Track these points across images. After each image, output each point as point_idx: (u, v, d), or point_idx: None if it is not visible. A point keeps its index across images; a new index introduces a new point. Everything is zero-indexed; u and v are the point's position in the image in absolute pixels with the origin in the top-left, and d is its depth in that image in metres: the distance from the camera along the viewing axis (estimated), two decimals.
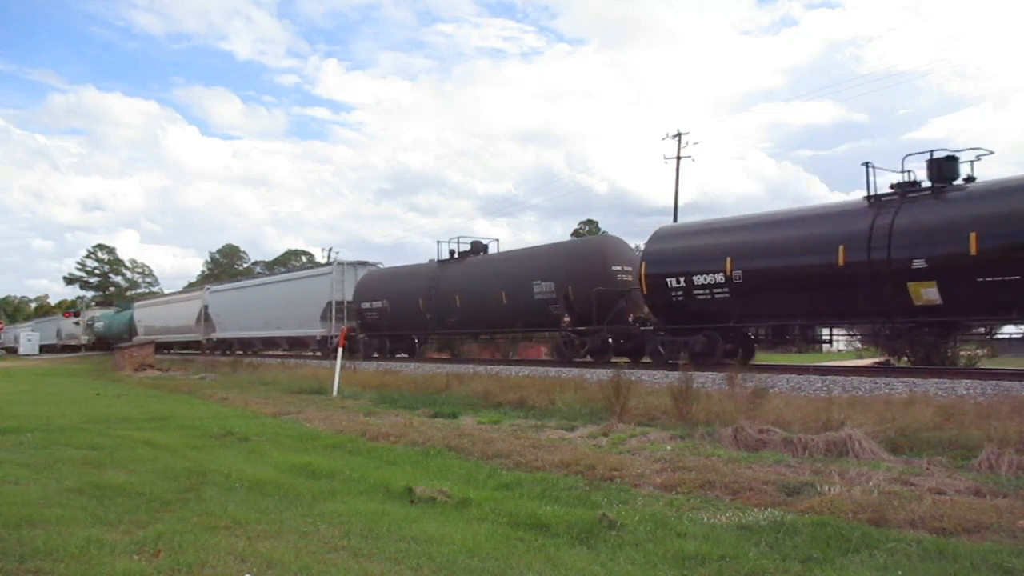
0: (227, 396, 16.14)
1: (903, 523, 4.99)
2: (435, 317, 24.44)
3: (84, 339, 60.59)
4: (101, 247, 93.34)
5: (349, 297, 28.76)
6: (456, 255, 25.09)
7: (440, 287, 24.25)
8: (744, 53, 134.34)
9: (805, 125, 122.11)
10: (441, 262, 25.20)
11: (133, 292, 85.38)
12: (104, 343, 54.42)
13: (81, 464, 7.64)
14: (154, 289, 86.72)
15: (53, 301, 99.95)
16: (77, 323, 63.78)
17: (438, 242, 28.48)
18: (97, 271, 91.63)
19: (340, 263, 31.47)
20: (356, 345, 26.51)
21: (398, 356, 27.18)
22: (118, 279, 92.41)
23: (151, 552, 4.54)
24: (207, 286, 46.44)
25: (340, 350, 17.24)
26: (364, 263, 30.88)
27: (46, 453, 8.35)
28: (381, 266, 31.13)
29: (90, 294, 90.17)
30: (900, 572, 4.09)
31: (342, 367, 16.60)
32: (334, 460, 7.87)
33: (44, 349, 64.18)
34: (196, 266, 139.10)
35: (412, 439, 9.19)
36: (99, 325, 59.19)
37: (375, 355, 26.51)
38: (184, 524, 5.18)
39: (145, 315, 51.29)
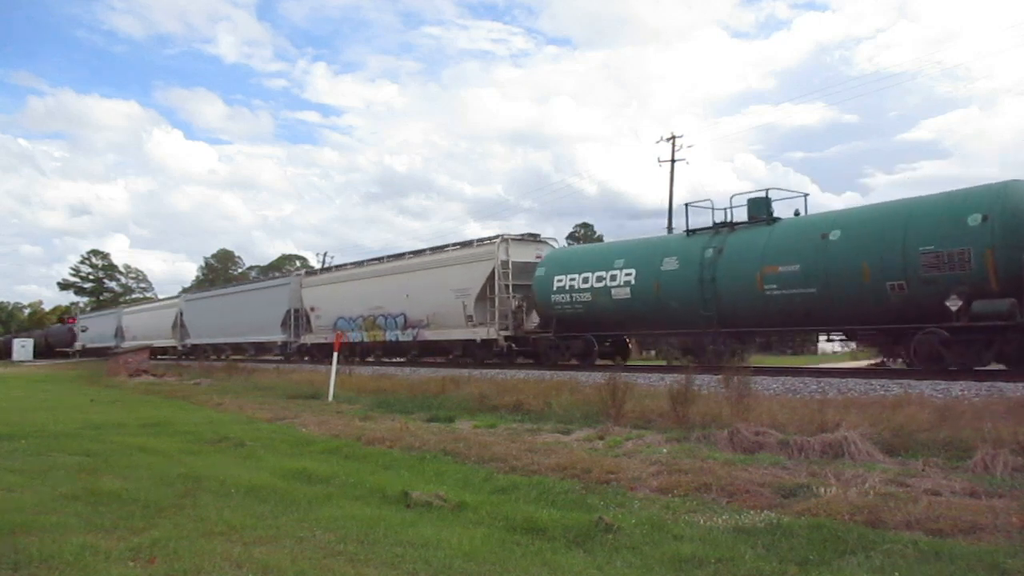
0: (222, 402, 16.11)
1: (899, 524, 5.00)
2: None
3: (490, 333, 21.84)
4: (95, 252, 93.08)
5: None
6: None
7: None
8: (734, 56, 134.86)
9: (796, 127, 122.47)
10: None
11: (127, 298, 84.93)
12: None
13: (76, 470, 7.62)
14: (148, 295, 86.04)
15: (47, 307, 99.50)
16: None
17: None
18: (91, 276, 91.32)
19: None
20: None
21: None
22: (112, 284, 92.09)
23: (146, 559, 4.52)
24: None
25: (335, 355, 17.22)
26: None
27: (41, 459, 8.31)
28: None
29: (84, 299, 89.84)
30: (896, 573, 4.10)
31: (337, 372, 16.58)
32: (330, 465, 7.86)
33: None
34: (189, 271, 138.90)
35: (408, 443, 9.18)
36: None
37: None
38: (179, 530, 5.16)
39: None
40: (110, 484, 6.82)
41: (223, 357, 37.25)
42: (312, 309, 30.31)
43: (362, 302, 27.26)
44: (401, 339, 25.17)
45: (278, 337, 33.05)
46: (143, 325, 50.41)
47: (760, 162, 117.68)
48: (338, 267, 31.73)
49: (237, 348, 38.31)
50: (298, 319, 31.39)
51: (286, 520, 5.48)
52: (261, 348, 36.87)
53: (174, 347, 44.22)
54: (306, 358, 30.56)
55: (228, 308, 38.38)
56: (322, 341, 28.61)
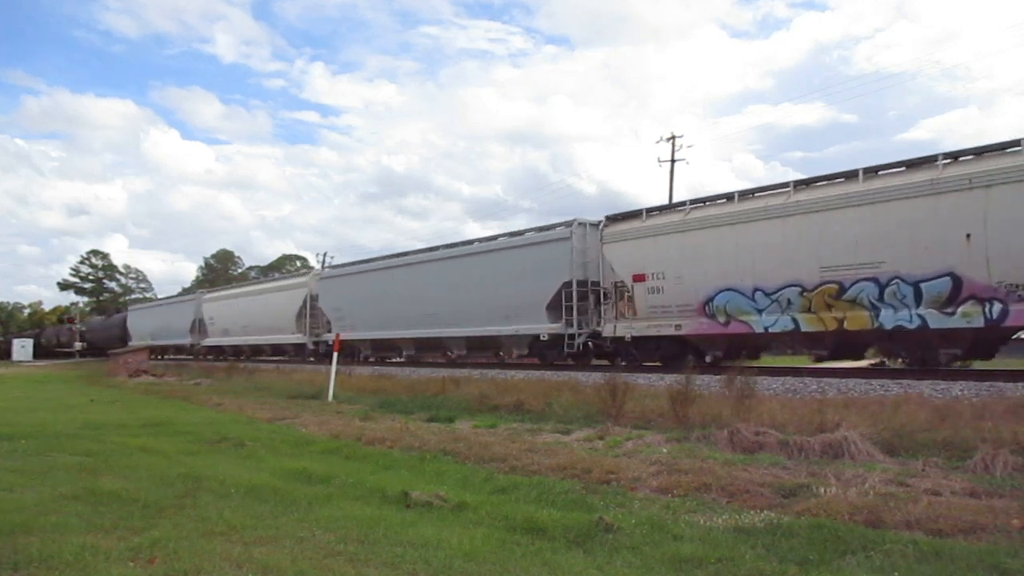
0: (222, 402, 16.10)
1: (899, 524, 5.00)
2: None
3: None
4: (95, 252, 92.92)
5: None
6: None
7: None
8: (733, 55, 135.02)
9: (795, 127, 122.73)
10: None
11: (127, 298, 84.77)
12: None
13: (76, 471, 7.61)
14: (148, 295, 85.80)
15: (47, 307, 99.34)
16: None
17: None
18: (91, 277, 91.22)
19: None
20: None
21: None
22: (112, 285, 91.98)
23: (146, 559, 4.52)
24: None
25: (335, 354, 17.22)
26: None
27: (41, 460, 8.31)
28: None
29: (84, 300, 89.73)
30: (896, 573, 4.10)
31: (337, 372, 16.58)
32: (330, 465, 7.85)
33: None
34: (189, 271, 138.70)
35: (408, 444, 9.18)
36: None
37: None
38: (180, 530, 5.16)
39: None
40: (110, 484, 6.81)
41: (399, 357, 25.56)
42: (640, 278, 17.62)
43: (790, 259, 14.61)
44: (939, 324, 12.59)
45: (540, 327, 19.87)
46: (242, 315, 36.38)
47: (759, 162, 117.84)
48: (699, 201, 17.22)
49: (425, 344, 24.89)
50: (583, 298, 18.94)
51: (286, 520, 5.48)
52: (483, 345, 22.67)
53: (298, 345, 31.81)
54: (622, 362, 18.54)
55: (412, 286, 24.62)
56: (654, 332, 17.31)
